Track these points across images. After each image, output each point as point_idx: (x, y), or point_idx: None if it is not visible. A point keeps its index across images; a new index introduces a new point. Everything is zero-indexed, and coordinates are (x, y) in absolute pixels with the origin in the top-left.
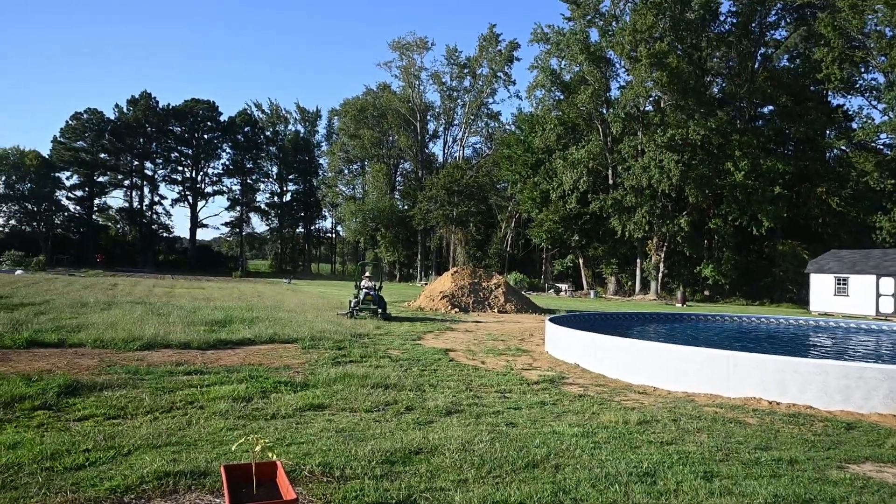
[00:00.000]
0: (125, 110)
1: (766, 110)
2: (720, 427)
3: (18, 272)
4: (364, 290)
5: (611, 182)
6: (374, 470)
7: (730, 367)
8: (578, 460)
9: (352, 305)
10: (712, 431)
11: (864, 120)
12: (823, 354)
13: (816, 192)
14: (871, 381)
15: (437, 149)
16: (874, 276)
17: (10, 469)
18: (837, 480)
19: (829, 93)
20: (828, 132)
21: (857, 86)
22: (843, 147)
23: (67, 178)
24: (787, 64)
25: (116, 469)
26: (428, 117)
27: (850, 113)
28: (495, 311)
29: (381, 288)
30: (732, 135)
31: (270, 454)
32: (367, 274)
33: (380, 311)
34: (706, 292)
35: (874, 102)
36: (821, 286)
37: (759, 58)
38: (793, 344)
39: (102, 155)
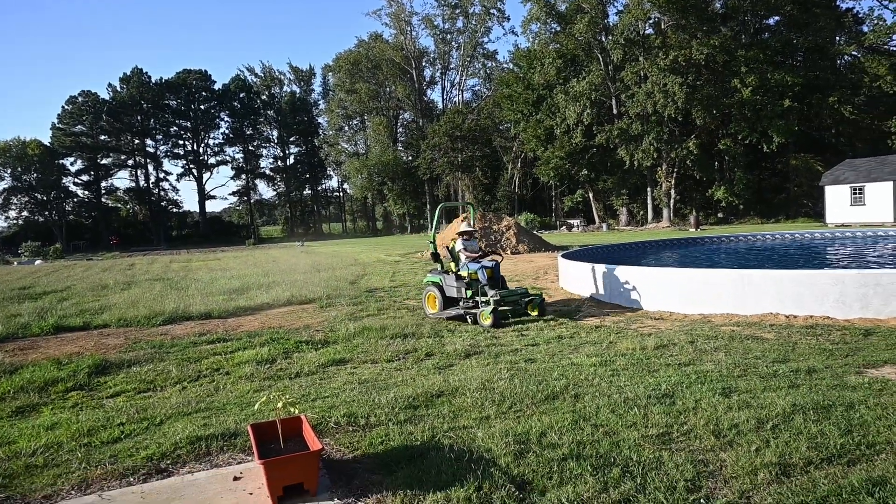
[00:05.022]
0: (119, 89)
1: (771, 22)
2: (737, 344)
3: (38, 262)
4: (472, 262)
5: (615, 112)
6: (397, 416)
7: (745, 285)
8: (597, 388)
9: (463, 294)
10: (729, 349)
11: (876, 22)
12: (842, 266)
13: (828, 102)
14: (890, 287)
15: (435, 95)
16: (891, 183)
17: (50, 448)
18: (856, 385)
19: None
20: (837, 38)
21: None
22: (854, 53)
23: (72, 164)
24: None
25: (151, 438)
26: (423, 64)
27: (861, 16)
28: (508, 252)
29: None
30: (738, 51)
31: (293, 409)
32: (463, 224)
33: (528, 302)
34: (720, 215)
35: (885, 2)
36: (836, 197)
37: None
38: (810, 257)
39: (103, 137)
